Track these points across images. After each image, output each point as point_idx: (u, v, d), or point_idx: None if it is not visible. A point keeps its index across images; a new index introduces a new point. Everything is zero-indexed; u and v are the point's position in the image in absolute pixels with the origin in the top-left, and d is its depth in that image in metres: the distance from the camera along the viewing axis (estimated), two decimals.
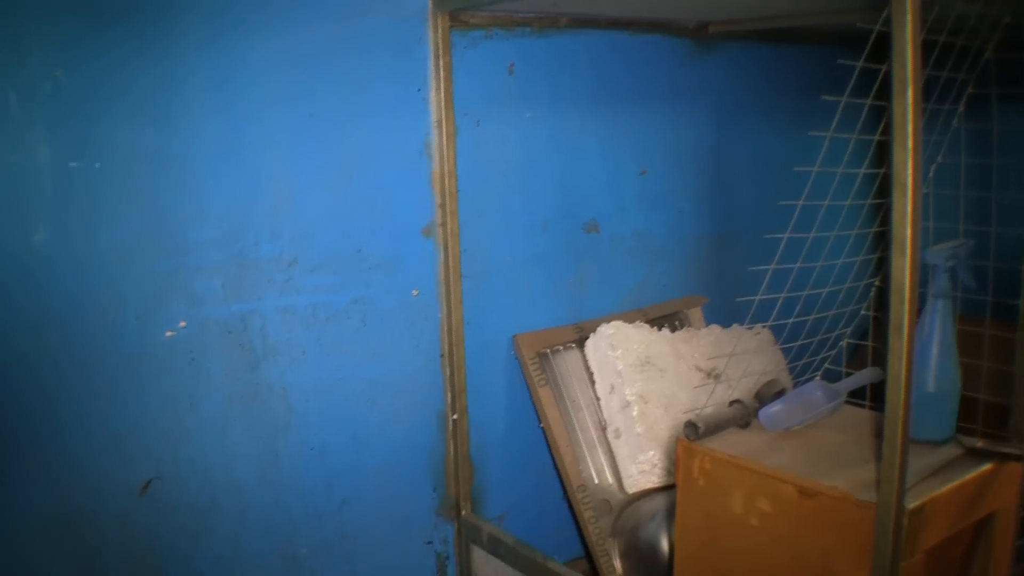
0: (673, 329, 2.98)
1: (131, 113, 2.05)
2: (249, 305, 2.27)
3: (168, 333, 2.15)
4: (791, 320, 2.25)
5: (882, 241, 1.78)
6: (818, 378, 2.32)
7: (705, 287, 3.31)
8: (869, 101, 1.87)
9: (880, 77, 1.68)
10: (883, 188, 1.62)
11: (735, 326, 3.04)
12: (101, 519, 2.12)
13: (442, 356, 2.64)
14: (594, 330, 2.82)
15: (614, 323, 2.78)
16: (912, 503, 1.77)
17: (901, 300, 1.58)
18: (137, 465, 2.16)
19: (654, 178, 3.10)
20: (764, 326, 2.81)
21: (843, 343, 2.44)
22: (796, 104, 3.40)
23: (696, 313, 3.19)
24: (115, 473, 2.13)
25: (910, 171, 1.54)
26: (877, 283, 2.35)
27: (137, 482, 2.16)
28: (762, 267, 2.06)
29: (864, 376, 2.31)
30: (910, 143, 1.54)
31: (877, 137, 1.93)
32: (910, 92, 1.52)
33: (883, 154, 1.63)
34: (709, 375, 2.81)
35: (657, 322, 3.01)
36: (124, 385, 2.11)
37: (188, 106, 2.12)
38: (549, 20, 2.73)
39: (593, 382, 2.81)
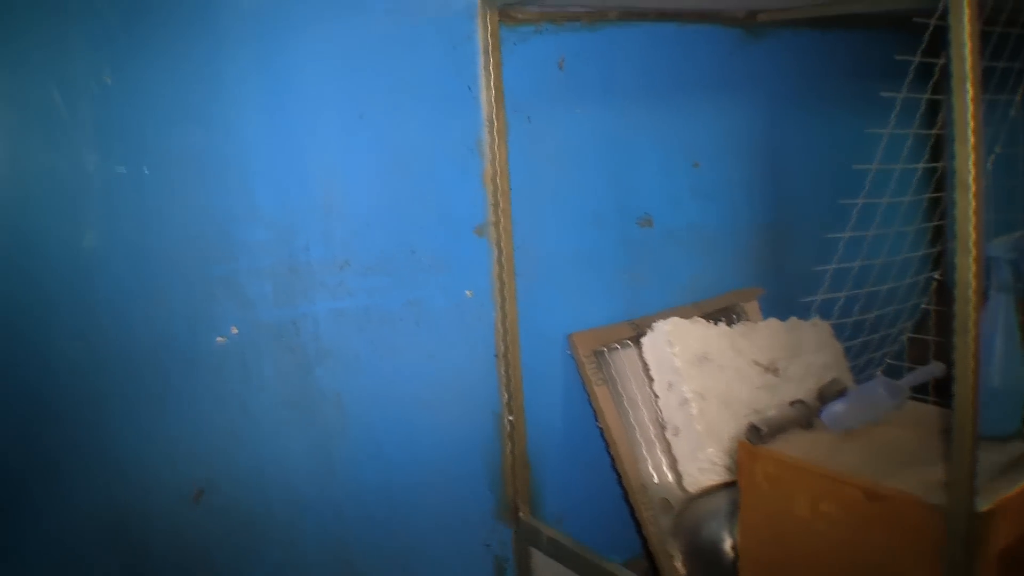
0: (730, 323, 2.94)
1: (179, 116, 2.04)
2: (301, 309, 2.26)
3: (220, 340, 2.14)
4: (852, 319, 2.22)
5: (940, 235, 1.74)
6: (880, 374, 2.29)
7: (761, 279, 3.27)
8: (927, 95, 1.84)
9: (937, 71, 1.65)
10: (941, 181, 1.58)
11: (792, 319, 3.00)
12: (154, 525, 2.12)
13: (497, 357, 2.62)
14: (650, 326, 2.78)
15: (671, 319, 2.74)
16: (983, 505, 1.73)
17: (966, 300, 1.54)
18: (190, 471, 2.15)
19: (707, 170, 3.06)
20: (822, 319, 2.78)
21: (904, 338, 2.40)
22: (848, 90, 3.35)
23: (752, 306, 3.15)
24: (168, 479, 2.12)
25: (972, 169, 1.50)
26: (937, 276, 2.32)
27: (190, 488, 2.15)
28: (823, 267, 2.03)
29: (927, 371, 2.27)
30: (971, 140, 1.50)
31: (936, 131, 1.89)
32: (969, 88, 1.48)
33: (939, 146, 1.59)
34: (768, 370, 2.77)
35: (713, 316, 2.97)
36: (176, 391, 2.11)
37: (237, 107, 2.11)
38: (598, 14, 2.70)
39: (651, 379, 2.77)
